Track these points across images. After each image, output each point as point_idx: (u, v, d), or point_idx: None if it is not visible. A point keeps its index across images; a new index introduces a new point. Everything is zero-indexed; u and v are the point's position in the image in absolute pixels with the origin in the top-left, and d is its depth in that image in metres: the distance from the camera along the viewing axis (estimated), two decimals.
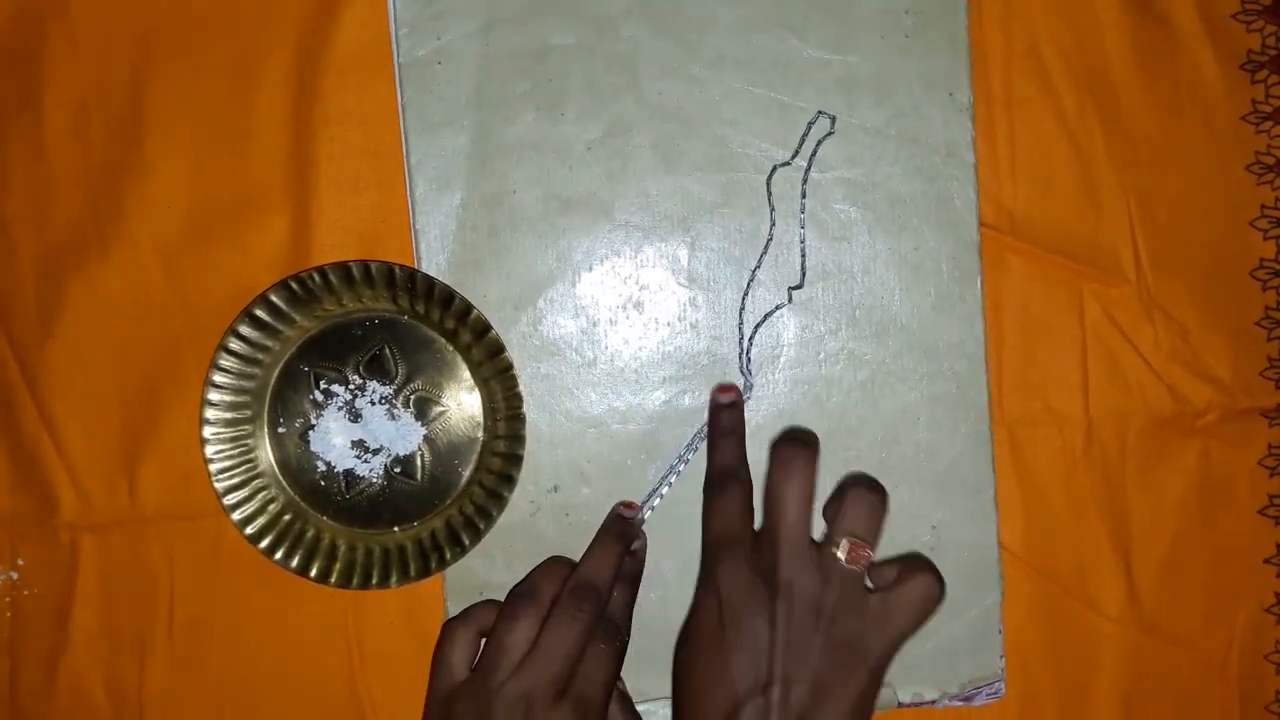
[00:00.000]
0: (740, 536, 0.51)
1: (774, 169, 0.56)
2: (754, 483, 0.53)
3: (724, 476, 0.53)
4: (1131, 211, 0.58)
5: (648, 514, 0.56)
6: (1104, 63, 0.58)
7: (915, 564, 0.50)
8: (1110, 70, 0.58)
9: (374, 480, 0.57)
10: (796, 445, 0.51)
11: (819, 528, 0.51)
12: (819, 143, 0.56)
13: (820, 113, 0.56)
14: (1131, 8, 0.57)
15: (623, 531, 0.54)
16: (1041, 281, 0.58)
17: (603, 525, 0.55)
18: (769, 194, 0.56)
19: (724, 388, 0.56)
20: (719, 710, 0.47)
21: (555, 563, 0.54)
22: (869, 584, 0.50)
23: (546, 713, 0.48)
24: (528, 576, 0.53)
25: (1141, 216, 0.58)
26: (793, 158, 0.56)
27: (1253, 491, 0.59)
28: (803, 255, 0.56)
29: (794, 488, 0.50)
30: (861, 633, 0.48)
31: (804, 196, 0.56)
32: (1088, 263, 0.58)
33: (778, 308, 0.56)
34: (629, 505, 0.56)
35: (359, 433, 0.56)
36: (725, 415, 0.55)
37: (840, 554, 0.48)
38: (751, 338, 0.56)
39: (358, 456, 0.57)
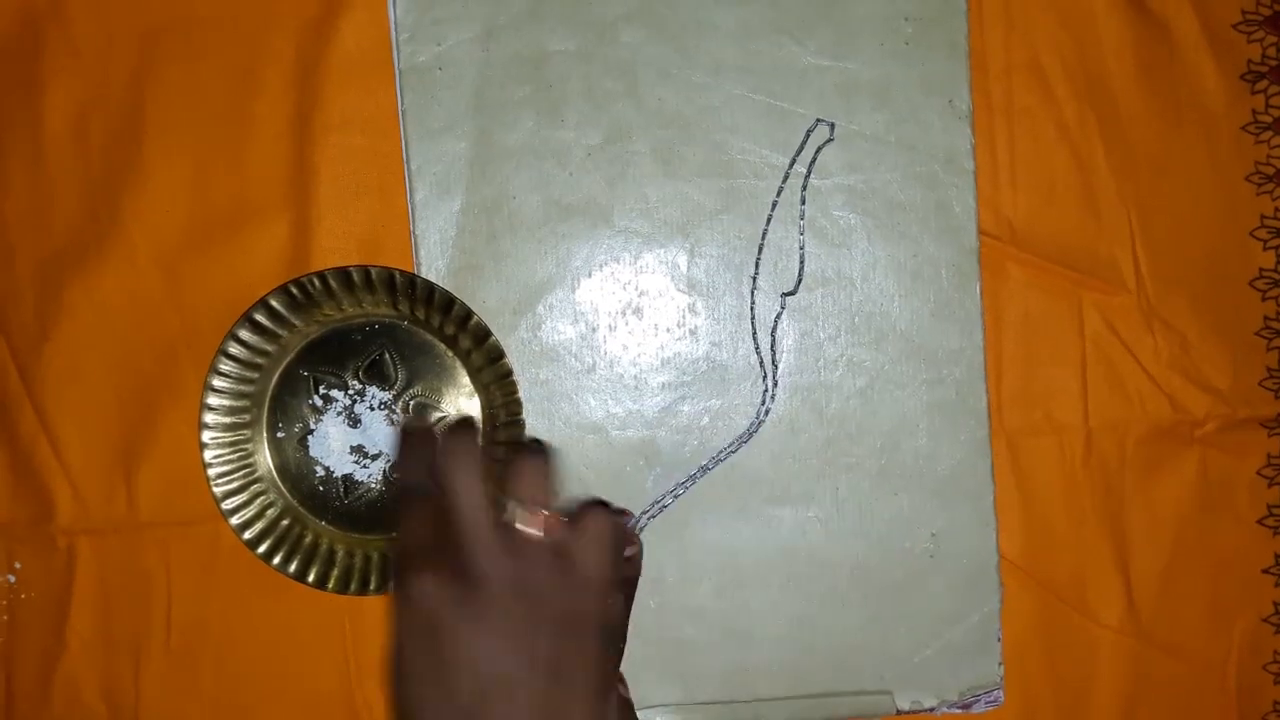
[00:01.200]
0: (425, 545, 0.45)
1: (782, 178, 0.56)
2: None
3: (404, 495, 0.49)
4: (1131, 221, 0.58)
5: (646, 522, 0.56)
6: (1104, 72, 0.58)
7: (583, 508, 0.45)
8: (1111, 80, 0.58)
9: (373, 485, 0.57)
10: (451, 432, 0.46)
11: None
12: (818, 149, 0.56)
13: (819, 120, 0.56)
14: (1132, 17, 0.57)
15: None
16: (1041, 291, 0.58)
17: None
18: (774, 202, 0.56)
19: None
20: None
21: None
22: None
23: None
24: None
25: (1141, 226, 0.58)
26: (792, 164, 0.56)
27: (1251, 501, 0.59)
28: (801, 261, 0.56)
29: (460, 472, 0.44)
30: (571, 598, 0.44)
31: (803, 203, 0.56)
32: (1088, 272, 0.58)
33: (781, 311, 0.56)
34: (624, 513, 0.55)
35: (358, 438, 0.56)
36: (408, 437, 0.52)
37: (516, 522, 0.44)
38: (772, 345, 0.56)
39: (356, 462, 0.57)
